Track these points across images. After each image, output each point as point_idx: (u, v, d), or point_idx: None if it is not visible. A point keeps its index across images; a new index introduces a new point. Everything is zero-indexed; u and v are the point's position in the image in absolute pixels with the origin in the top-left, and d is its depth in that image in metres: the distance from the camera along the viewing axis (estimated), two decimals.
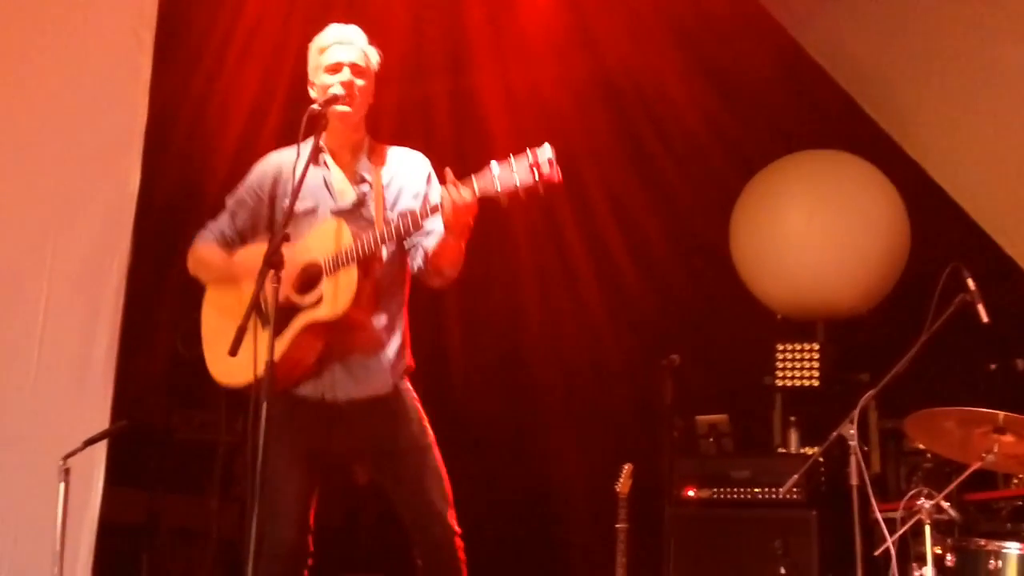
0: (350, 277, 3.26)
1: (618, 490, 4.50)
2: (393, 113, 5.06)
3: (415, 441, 3.40)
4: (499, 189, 3.13)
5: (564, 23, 5.76)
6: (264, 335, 3.00)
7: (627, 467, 4.56)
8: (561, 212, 5.96)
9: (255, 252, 3.35)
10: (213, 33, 5.45)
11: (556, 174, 3.11)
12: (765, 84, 5.84)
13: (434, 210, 3.24)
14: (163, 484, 5.74)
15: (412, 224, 3.27)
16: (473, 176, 3.18)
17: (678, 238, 6.10)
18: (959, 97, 5.45)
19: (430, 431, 3.45)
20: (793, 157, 5.89)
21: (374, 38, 3.53)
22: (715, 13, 5.64)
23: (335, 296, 3.26)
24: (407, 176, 3.50)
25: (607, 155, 5.97)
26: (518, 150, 3.16)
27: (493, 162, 3.16)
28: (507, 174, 3.12)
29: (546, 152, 3.11)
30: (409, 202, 3.45)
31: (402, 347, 3.47)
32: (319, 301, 3.29)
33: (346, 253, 3.27)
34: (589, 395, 6.18)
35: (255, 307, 2.98)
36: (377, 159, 3.49)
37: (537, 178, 3.09)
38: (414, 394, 3.48)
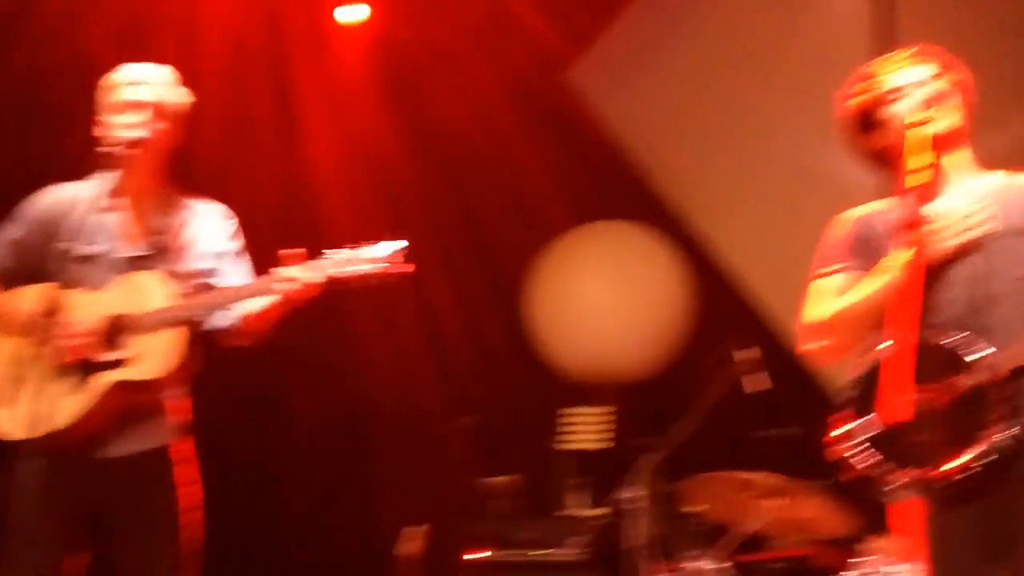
0: (173, 339, 3.15)
1: (404, 553, 4.46)
2: (214, 157, 4.95)
3: (164, 515, 3.20)
4: (349, 273, 3.15)
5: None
6: (50, 390, 2.85)
7: (415, 529, 4.53)
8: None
9: (26, 296, 3.19)
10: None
11: (407, 267, 3.17)
12: (566, 154, 6.03)
13: (264, 289, 3.19)
14: None
15: (244, 297, 3.23)
16: (325, 255, 3.17)
17: (476, 301, 6.16)
18: (740, 182, 5.83)
19: (183, 507, 3.24)
20: (588, 227, 6.10)
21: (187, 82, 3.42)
22: (516, 81, 5.81)
23: (155, 355, 3.13)
24: (207, 231, 3.40)
25: (412, 216, 5.98)
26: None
27: (346, 248, 3.17)
28: (359, 262, 3.15)
29: (399, 244, 3.17)
30: (209, 260, 3.36)
31: (185, 401, 3.36)
32: (131, 359, 3.14)
33: (168, 313, 3.14)
34: (377, 455, 6.07)
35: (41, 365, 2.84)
36: (175, 209, 3.37)
37: (388, 269, 3.14)
38: (189, 455, 3.31)
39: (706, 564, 3.92)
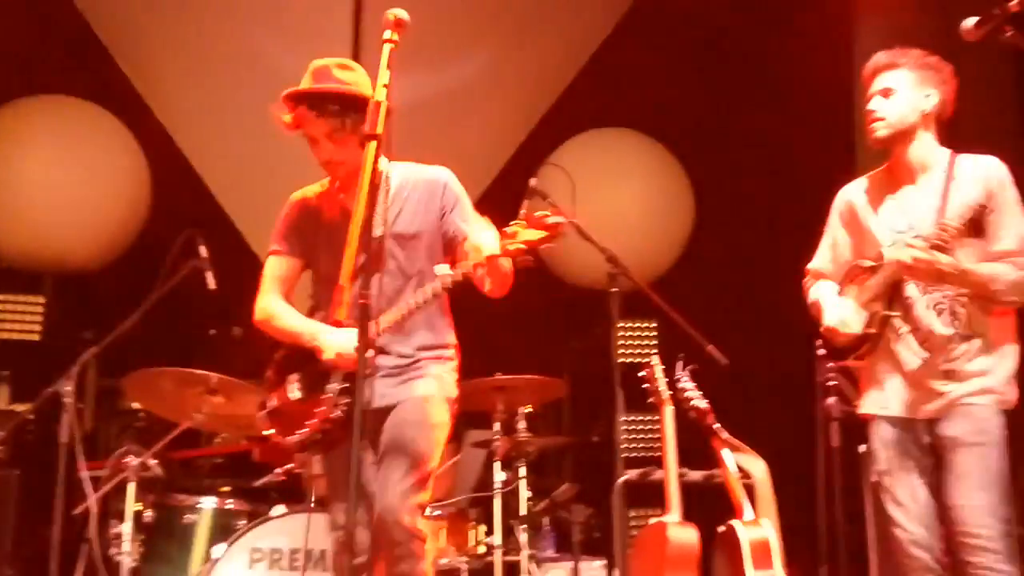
0: None
1: None
2: None
3: None
4: None
5: None
6: None
7: None
8: None
9: None
10: None
11: None
12: (14, 20, 5.43)
13: None
14: None
15: None
16: None
17: None
18: (211, 75, 5.65)
19: None
20: (36, 100, 5.60)
21: None
22: None
23: None
24: None
25: None
26: None
27: None
28: None
29: None
30: None
31: None
32: None
33: None
34: None
35: None
36: None
37: None
38: None
39: (141, 460, 3.84)
